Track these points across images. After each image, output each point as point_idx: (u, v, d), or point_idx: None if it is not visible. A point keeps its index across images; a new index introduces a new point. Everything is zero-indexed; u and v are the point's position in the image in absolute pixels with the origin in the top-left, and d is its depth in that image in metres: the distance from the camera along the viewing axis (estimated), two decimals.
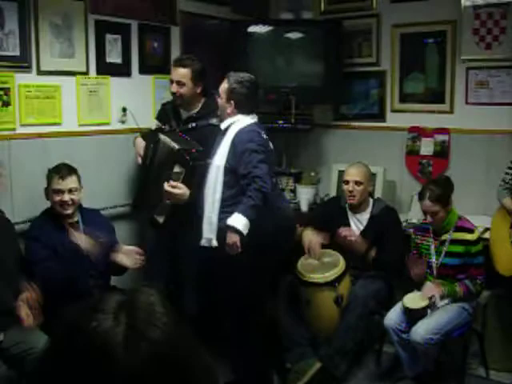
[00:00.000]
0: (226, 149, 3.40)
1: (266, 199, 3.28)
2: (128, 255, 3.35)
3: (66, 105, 3.72)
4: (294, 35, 4.78)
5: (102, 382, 0.78)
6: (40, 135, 3.59)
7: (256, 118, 3.52)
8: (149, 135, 3.80)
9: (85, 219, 3.39)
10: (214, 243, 3.39)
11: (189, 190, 3.50)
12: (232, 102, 3.44)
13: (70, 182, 3.30)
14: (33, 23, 3.55)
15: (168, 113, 3.87)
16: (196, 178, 3.50)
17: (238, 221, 3.23)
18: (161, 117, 3.94)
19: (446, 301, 3.54)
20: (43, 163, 3.47)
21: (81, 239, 3.19)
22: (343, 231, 3.83)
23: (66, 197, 3.27)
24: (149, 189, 3.68)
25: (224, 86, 3.48)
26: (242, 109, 3.45)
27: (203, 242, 3.43)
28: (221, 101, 3.49)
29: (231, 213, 3.26)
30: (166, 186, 3.47)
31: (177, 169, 3.51)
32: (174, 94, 3.75)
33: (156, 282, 3.77)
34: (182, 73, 3.71)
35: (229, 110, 3.45)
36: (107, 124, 3.96)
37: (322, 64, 4.65)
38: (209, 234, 3.41)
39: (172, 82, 3.74)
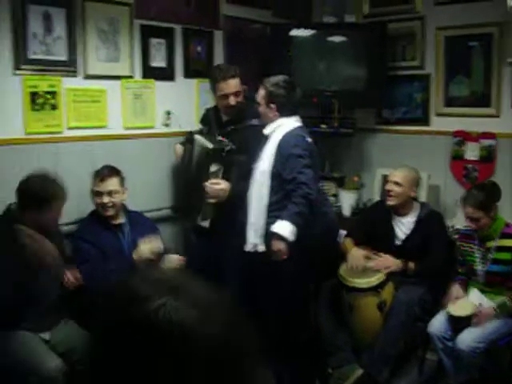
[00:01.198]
0: (272, 153, 3.39)
1: (312, 205, 3.26)
2: (171, 264, 3.37)
3: (111, 108, 3.77)
4: (336, 39, 4.75)
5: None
6: (86, 138, 3.64)
7: (300, 122, 3.50)
8: (187, 139, 3.81)
9: (131, 221, 3.42)
10: (260, 248, 3.38)
11: (229, 184, 3.52)
12: (272, 105, 3.44)
13: (110, 184, 3.33)
14: (80, 28, 3.61)
15: (210, 117, 3.89)
16: (234, 174, 3.53)
17: (284, 227, 3.22)
18: (203, 121, 3.97)
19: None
20: (89, 166, 3.52)
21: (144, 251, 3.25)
22: (377, 266, 3.75)
23: (106, 199, 3.30)
24: (189, 190, 3.69)
25: (261, 93, 3.48)
26: (283, 111, 3.44)
27: (249, 248, 3.42)
28: (261, 108, 3.48)
29: (276, 217, 3.25)
30: (207, 185, 3.49)
31: (214, 167, 3.54)
32: (232, 106, 3.68)
33: None
34: (237, 83, 3.70)
35: (271, 115, 3.45)
36: (151, 127, 3.99)
37: (365, 67, 4.61)
38: (254, 239, 3.40)
39: (227, 95, 3.67)
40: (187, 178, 3.71)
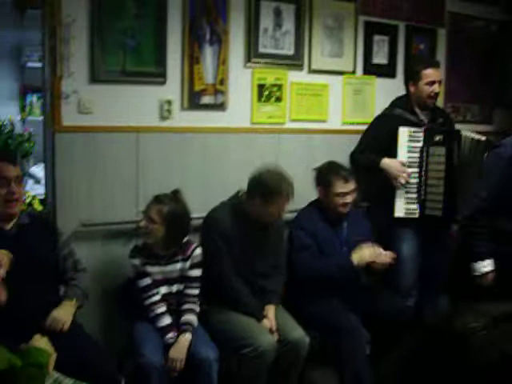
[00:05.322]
0: None
1: None
2: (379, 258, 3.19)
3: (332, 103, 3.72)
4: None
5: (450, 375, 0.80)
6: (306, 131, 3.63)
7: None
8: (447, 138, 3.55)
9: (348, 217, 3.29)
10: None
11: None
12: None
13: (352, 184, 3.22)
14: (307, 24, 3.60)
15: (404, 116, 3.55)
16: None
17: None
18: (396, 123, 3.51)
19: None
20: (307, 158, 3.51)
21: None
22: None
23: (349, 198, 3.20)
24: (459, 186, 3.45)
25: None
26: None
27: None
28: None
29: None
30: None
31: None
32: (436, 94, 3.52)
33: (402, 283, 3.56)
34: (440, 72, 3.59)
35: None
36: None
37: None
38: None
39: (434, 82, 3.51)
40: (459, 181, 3.46)
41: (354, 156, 3.59)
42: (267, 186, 2.90)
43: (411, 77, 3.57)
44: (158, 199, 2.82)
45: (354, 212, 3.35)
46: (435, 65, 3.59)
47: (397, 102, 3.60)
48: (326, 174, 3.23)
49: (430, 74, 3.51)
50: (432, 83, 3.50)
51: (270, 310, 3.01)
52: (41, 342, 1.91)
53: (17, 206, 2.57)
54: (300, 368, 3.02)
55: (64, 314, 2.55)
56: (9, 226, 2.57)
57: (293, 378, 3.01)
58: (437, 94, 3.55)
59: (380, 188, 3.55)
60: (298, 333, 2.94)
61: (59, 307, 2.58)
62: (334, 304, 3.11)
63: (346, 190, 3.19)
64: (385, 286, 3.40)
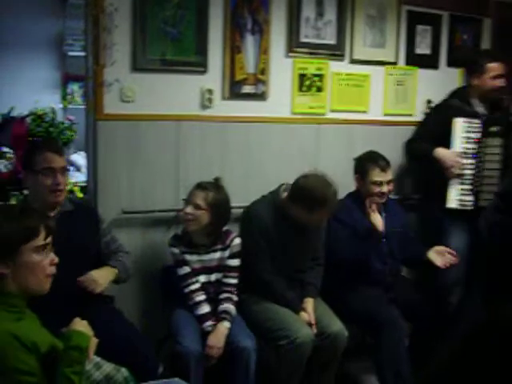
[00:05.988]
0: None
1: None
2: (441, 255, 3.15)
3: (373, 94, 3.65)
4: None
5: None
6: (346, 122, 3.57)
7: None
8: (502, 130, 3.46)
9: (386, 207, 3.25)
10: None
11: None
12: None
13: (389, 174, 3.19)
14: (349, 14, 3.54)
15: (460, 107, 3.51)
16: None
17: None
18: (451, 114, 3.51)
19: None
20: (347, 149, 3.47)
21: (378, 223, 3.08)
22: None
23: (385, 188, 3.16)
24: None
25: None
26: None
27: None
28: None
29: None
30: None
31: None
32: (502, 88, 3.51)
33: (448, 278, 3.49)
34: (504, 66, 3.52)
35: None
36: (410, 115, 3.77)
37: None
38: None
39: (497, 77, 3.50)
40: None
41: (408, 145, 3.61)
42: (312, 196, 2.81)
43: (475, 69, 3.54)
44: (201, 186, 2.82)
45: (392, 202, 3.31)
46: (500, 58, 3.55)
47: (455, 93, 3.58)
48: (363, 163, 3.21)
49: (495, 67, 3.51)
50: (497, 77, 3.50)
51: (309, 303, 2.98)
52: (80, 324, 1.91)
53: (61, 195, 2.59)
54: (338, 361, 2.99)
55: (101, 277, 2.55)
56: (52, 214, 2.60)
57: (331, 371, 2.99)
58: (501, 88, 3.52)
59: (432, 179, 3.54)
60: (336, 326, 2.90)
61: (99, 269, 2.59)
62: (374, 296, 3.08)
63: (381, 178, 3.15)
64: (429, 280, 3.34)
